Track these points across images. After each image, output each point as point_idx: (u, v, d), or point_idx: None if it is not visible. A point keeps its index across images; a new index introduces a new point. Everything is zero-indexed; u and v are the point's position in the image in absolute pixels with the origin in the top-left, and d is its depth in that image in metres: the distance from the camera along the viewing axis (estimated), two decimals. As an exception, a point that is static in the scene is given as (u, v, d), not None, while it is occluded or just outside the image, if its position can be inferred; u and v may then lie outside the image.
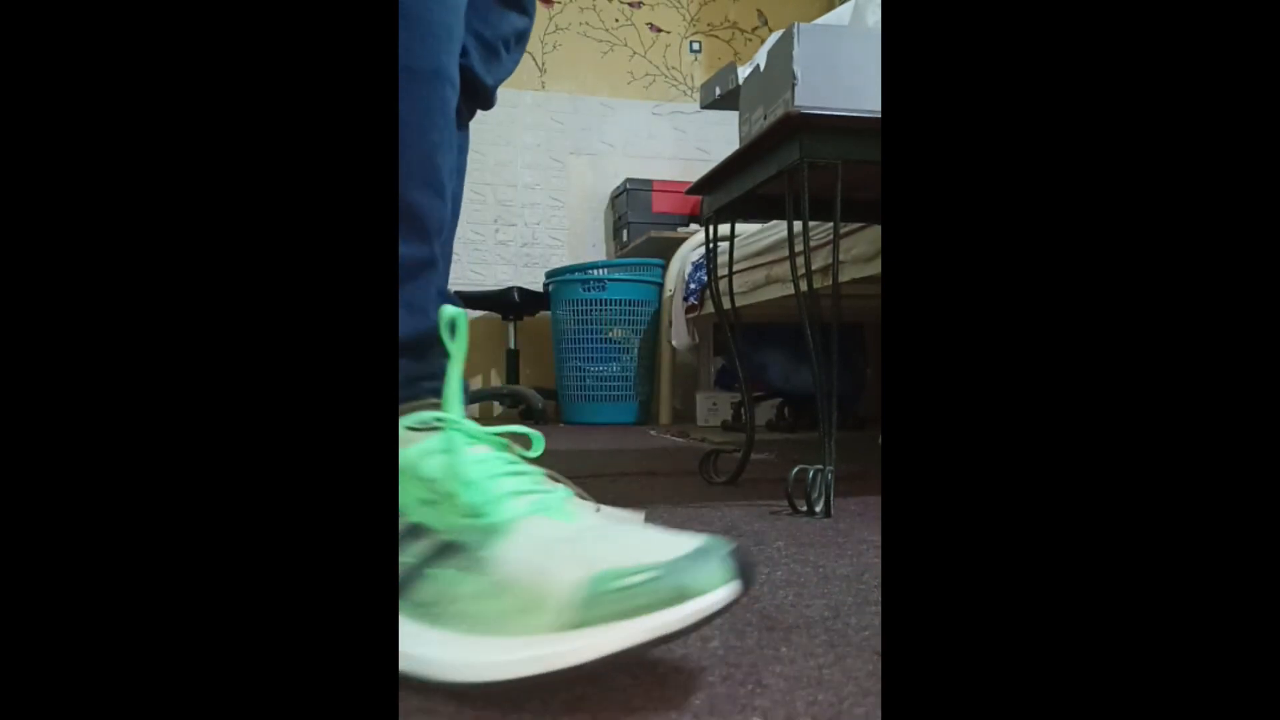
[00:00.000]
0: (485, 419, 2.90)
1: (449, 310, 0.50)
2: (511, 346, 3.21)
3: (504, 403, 3.17)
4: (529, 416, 2.86)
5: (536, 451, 0.52)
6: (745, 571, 0.42)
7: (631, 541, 0.43)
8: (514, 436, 0.53)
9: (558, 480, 0.51)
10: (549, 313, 3.04)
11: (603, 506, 0.52)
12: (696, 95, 3.49)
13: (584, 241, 3.53)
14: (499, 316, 3.20)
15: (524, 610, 0.41)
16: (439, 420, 0.49)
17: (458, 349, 0.50)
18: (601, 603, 0.40)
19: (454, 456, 0.47)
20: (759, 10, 3.71)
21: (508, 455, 0.50)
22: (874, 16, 1.14)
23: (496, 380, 3.32)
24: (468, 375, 0.59)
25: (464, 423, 0.49)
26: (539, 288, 3.18)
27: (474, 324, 3.28)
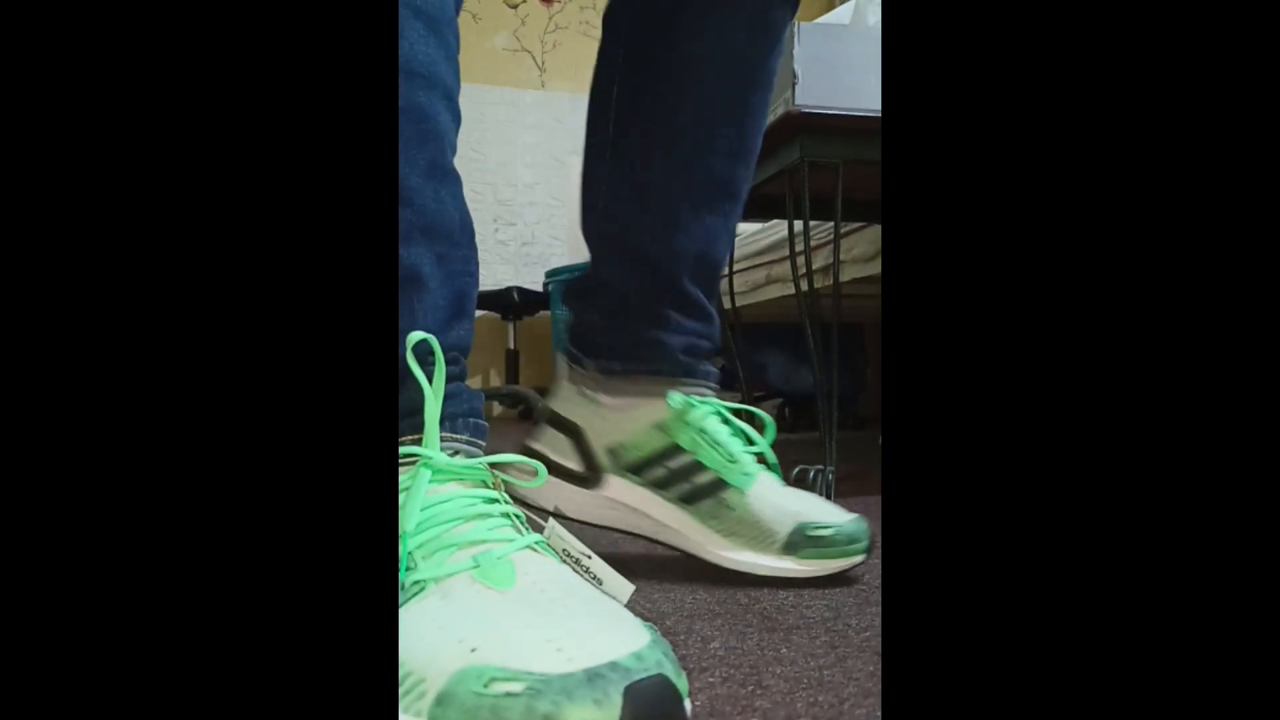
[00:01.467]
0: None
1: (415, 335, 0.45)
2: (511, 346, 3.21)
3: (504, 403, 3.17)
4: (528, 417, 2.86)
5: (539, 481, 0.50)
6: (640, 712, 0.33)
7: (535, 634, 0.37)
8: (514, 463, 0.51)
9: (526, 524, 0.47)
10: (549, 313, 3.04)
11: (594, 560, 0.49)
12: (696, 95, 3.48)
13: (584, 241, 3.53)
14: (499, 316, 3.20)
15: (404, 687, 0.37)
16: (414, 454, 0.46)
17: (436, 380, 0.46)
18: (453, 703, 0.35)
19: (411, 496, 0.43)
20: (759, 10, 3.71)
21: (483, 493, 0.46)
22: (874, 16, 1.14)
23: (496, 380, 3.33)
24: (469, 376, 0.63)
25: (435, 457, 0.45)
26: (539, 288, 3.18)
27: (474, 324, 3.28)
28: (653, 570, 0.70)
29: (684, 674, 0.37)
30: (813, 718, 0.40)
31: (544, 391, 2.87)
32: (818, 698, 0.42)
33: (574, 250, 3.50)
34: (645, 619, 0.55)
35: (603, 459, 0.69)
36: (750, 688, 0.44)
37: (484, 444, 0.53)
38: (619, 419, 0.69)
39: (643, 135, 0.69)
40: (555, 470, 0.71)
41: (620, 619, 0.39)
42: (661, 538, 0.69)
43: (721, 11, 0.66)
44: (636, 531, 0.70)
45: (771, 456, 0.70)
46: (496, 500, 0.46)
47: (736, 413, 0.71)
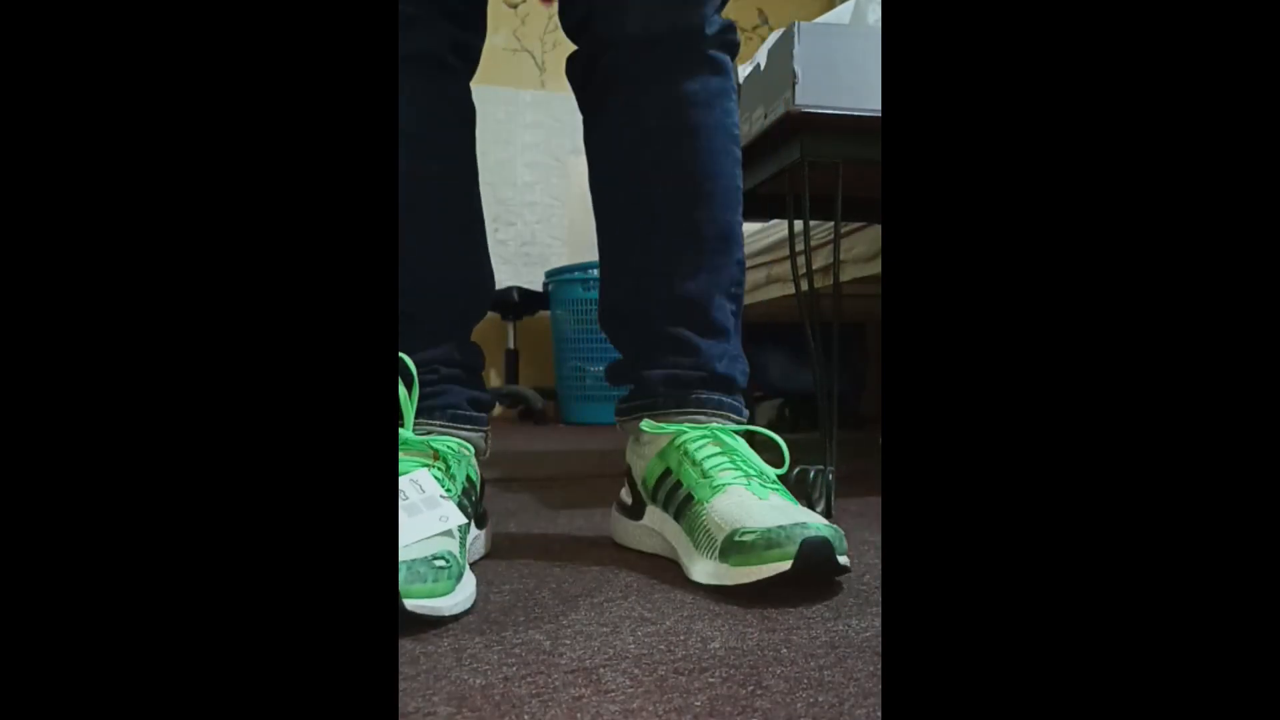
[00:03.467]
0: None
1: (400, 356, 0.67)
2: (511, 346, 3.20)
3: (504, 403, 3.17)
4: (528, 416, 2.86)
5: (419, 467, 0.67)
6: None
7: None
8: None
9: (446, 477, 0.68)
10: (549, 313, 3.04)
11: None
12: (696, 95, 3.47)
13: (584, 241, 3.52)
14: (498, 316, 3.19)
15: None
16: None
17: (414, 386, 0.69)
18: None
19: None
20: (759, 9, 3.71)
21: (416, 459, 0.67)
22: (874, 15, 1.14)
23: (496, 380, 3.32)
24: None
25: (402, 433, 0.67)
26: (539, 287, 3.18)
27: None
28: (653, 570, 0.70)
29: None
30: (813, 718, 0.40)
31: (544, 391, 2.86)
32: (818, 698, 0.42)
33: (574, 250, 3.49)
34: (645, 619, 0.55)
35: (642, 491, 0.77)
36: (750, 688, 0.44)
37: (466, 426, 0.75)
38: (645, 453, 0.77)
39: (602, 214, 0.81)
40: (620, 508, 0.80)
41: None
42: (673, 556, 0.72)
43: (624, 99, 0.76)
44: (662, 554, 0.74)
45: (771, 471, 0.72)
46: (426, 464, 0.67)
47: (745, 435, 0.75)
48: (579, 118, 0.82)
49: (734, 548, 0.61)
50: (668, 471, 0.73)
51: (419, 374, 0.70)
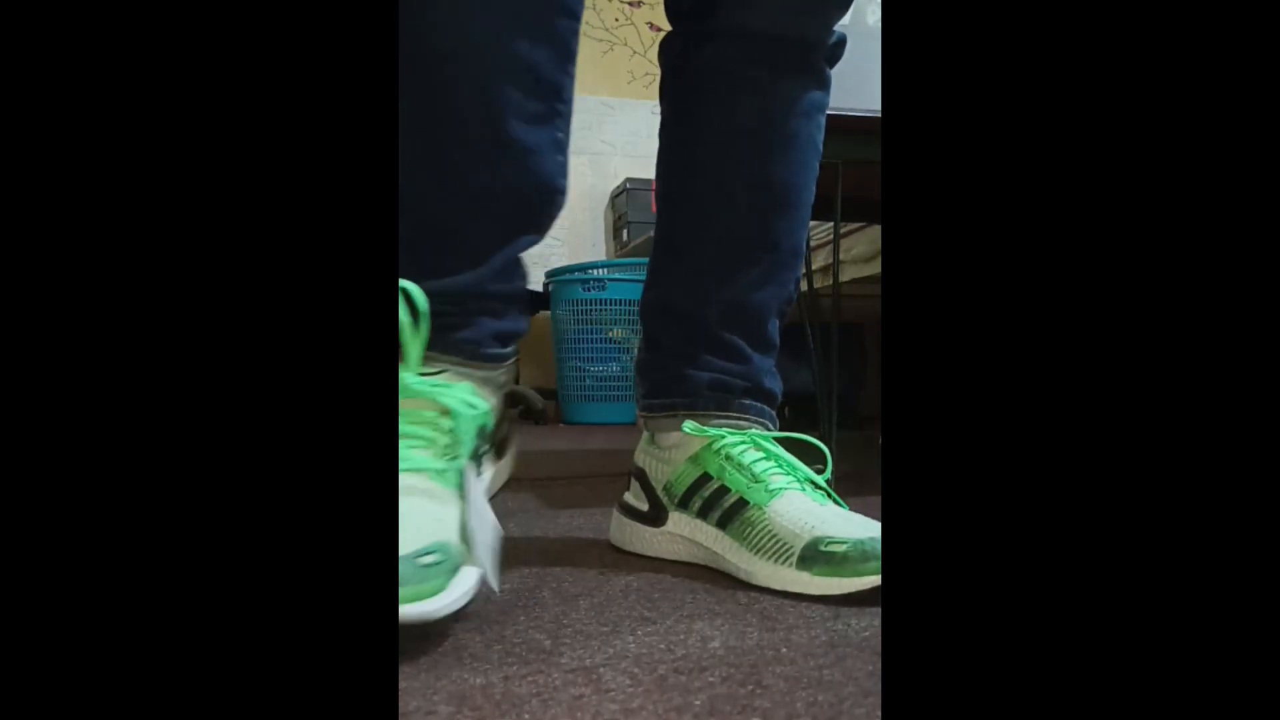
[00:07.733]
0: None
1: (402, 284, 0.56)
2: (511, 346, 3.20)
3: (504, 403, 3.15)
4: (529, 416, 2.86)
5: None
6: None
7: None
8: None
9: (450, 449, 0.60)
10: (549, 313, 3.04)
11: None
12: (696, 95, 3.47)
13: (584, 241, 3.52)
14: (499, 316, 3.18)
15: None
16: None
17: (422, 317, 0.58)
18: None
19: None
20: (759, 10, 3.70)
21: (409, 414, 0.58)
22: (874, 16, 1.15)
23: (496, 380, 3.32)
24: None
25: (404, 378, 0.57)
26: (539, 288, 3.17)
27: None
28: (653, 570, 0.70)
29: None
30: (812, 717, 0.40)
31: (544, 391, 2.84)
32: (817, 697, 0.42)
33: (574, 250, 3.49)
34: (645, 618, 0.55)
35: (663, 497, 0.74)
36: (750, 687, 0.44)
37: (485, 365, 0.63)
38: (669, 457, 0.74)
39: (674, 205, 0.77)
40: (631, 513, 0.77)
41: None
42: (714, 564, 0.70)
43: (726, 92, 0.73)
44: (696, 561, 0.72)
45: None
46: (426, 440, 0.57)
47: (788, 442, 0.74)
48: (579, 118, 0.81)
49: (821, 557, 0.61)
50: (706, 477, 0.71)
51: (437, 304, 0.59)
